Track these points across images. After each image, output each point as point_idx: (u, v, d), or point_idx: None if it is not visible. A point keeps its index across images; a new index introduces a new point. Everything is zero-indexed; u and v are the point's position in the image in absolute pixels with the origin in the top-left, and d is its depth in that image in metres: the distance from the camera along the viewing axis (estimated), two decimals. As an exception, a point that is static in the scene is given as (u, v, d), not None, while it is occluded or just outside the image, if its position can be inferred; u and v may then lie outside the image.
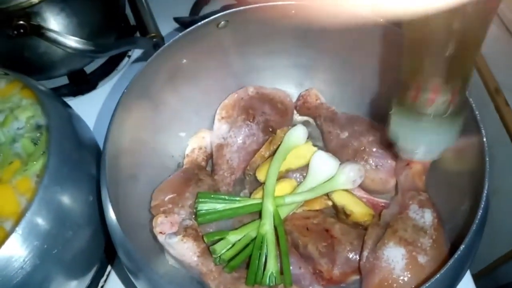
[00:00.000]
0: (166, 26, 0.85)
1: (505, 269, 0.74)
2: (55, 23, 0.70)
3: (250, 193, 0.60)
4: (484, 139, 0.44)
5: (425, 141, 0.44)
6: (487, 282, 0.77)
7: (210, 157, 0.65)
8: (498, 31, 0.74)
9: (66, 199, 0.47)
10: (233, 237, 0.50)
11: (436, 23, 0.34)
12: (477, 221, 0.38)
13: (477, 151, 0.46)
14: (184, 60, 0.59)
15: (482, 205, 0.39)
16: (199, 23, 0.57)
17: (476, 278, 0.62)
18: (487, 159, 0.42)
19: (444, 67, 0.37)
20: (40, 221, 0.44)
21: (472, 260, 0.41)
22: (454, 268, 0.37)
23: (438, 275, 0.36)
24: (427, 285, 0.36)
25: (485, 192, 0.40)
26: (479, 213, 0.39)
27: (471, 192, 0.47)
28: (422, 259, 0.44)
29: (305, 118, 0.69)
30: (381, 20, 0.54)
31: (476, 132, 0.47)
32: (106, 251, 0.58)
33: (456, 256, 0.37)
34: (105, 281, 0.62)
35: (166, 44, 0.57)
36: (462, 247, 0.37)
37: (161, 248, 0.55)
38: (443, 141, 0.43)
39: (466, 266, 0.41)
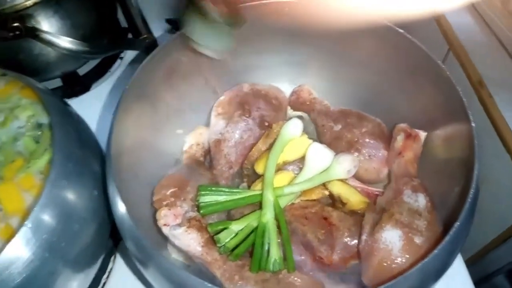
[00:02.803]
0: (158, 28, 0.87)
1: (494, 255, 0.77)
2: (49, 25, 0.71)
3: (249, 186, 0.62)
4: (473, 124, 0.46)
5: (211, 39, 0.54)
6: (478, 268, 0.80)
7: (207, 152, 0.66)
8: (478, 28, 0.77)
9: (72, 193, 0.48)
10: (236, 226, 0.52)
11: None
12: (469, 200, 0.41)
13: (465, 138, 0.49)
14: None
15: (473, 184, 0.42)
16: (196, 22, 0.58)
17: (467, 264, 0.65)
18: (476, 141, 0.45)
19: None
20: (48, 214, 0.45)
21: (465, 238, 0.43)
22: (450, 244, 0.39)
23: (436, 251, 0.38)
24: (425, 260, 0.38)
25: (476, 172, 0.43)
26: (471, 192, 0.41)
27: (461, 177, 0.49)
28: (418, 239, 0.46)
29: (299, 113, 0.71)
30: (374, 17, 0.56)
31: (464, 119, 0.49)
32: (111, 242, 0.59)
33: (451, 232, 0.39)
34: (109, 274, 0.63)
35: (162, 44, 0.59)
36: (457, 224, 0.40)
37: (163, 243, 0.56)
38: (222, 42, 0.55)
39: (460, 244, 0.43)
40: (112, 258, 0.65)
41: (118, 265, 0.64)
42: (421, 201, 0.50)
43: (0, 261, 0.41)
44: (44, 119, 0.55)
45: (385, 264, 0.46)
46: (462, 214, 0.40)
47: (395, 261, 0.46)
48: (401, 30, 0.57)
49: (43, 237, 0.44)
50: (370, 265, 0.48)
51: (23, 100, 0.57)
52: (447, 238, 0.39)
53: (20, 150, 0.53)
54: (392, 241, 0.47)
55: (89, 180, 0.51)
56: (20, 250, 0.43)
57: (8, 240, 0.45)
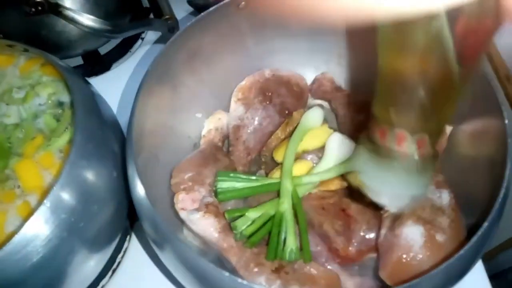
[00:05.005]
0: (180, 9, 0.86)
1: (510, 253, 0.75)
2: (71, 2, 0.70)
3: (266, 174, 0.61)
4: (506, 121, 0.44)
5: (392, 185, 0.39)
6: (493, 264, 0.78)
7: (226, 138, 0.65)
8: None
9: (91, 174, 0.47)
10: (252, 214, 0.51)
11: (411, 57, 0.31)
12: (499, 200, 0.39)
13: (496, 135, 0.47)
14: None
15: (504, 184, 0.40)
16: (220, 4, 0.57)
17: (482, 259, 0.64)
18: (509, 139, 0.43)
19: (413, 117, 0.35)
20: (67, 194, 0.44)
21: (492, 240, 0.42)
22: (476, 245, 0.38)
23: (462, 251, 0.37)
24: (450, 260, 0.37)
25: (508, 171, 0.41)
26: (502, 192, 0.40)
27: (488, 176, 0.47)
28: (440, 237, 0.45)
29: (319, 101, 0.69)
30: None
31: (497, 115, 0.47)
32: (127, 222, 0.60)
33: (479, 233, 0.38)
34: (124, 253, 0.64)
35: (185, 26, 0.58)
36: (485, 224, 0.38)
37: (179, 226, 0.56)
38: (409, 191, 0.39)
39: (486, 245, 0.41)
40: (128, 238, 0.66)
41: (133, 245, 0.65)
42: (445, 197, 0.48)
43: (19, 239, 0.41)
44: (65, 97, 0.55)
45: (404, 260, 0.45)
46: (491, 215, 0.39)
47: (415, 258, 0.45)
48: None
49: (62, 216, 0.44)
50: (388, 261, 0.47)
51: (44, 77, 0.57)
52: (474, 239, 0.38)
53: (40, 127, 0.53)
54: (413, 238, 0.46)
55: (109, 160, 0.51)
56: (39, 229, 0.42)
57: (26, 217, 0.46)
